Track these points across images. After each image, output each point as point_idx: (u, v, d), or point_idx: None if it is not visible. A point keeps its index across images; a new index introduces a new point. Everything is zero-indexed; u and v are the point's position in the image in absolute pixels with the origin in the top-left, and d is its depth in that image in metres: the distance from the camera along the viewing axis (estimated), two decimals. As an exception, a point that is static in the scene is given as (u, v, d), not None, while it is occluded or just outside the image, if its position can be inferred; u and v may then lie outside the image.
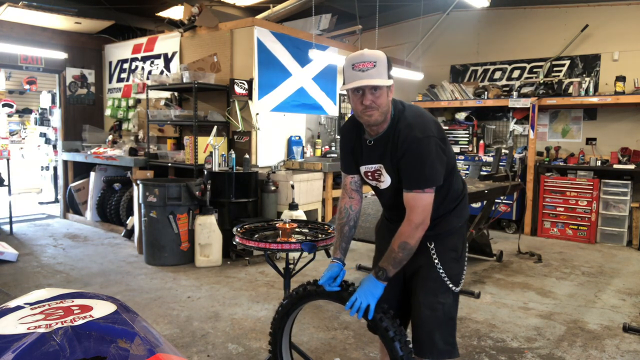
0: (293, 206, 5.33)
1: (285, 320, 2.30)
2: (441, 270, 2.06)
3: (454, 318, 2.11)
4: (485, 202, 5.30)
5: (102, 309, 1.65)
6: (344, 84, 1.96)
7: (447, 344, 2.05)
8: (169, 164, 6.07)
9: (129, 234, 6.20)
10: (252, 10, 7.89)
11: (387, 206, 2.24)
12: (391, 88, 1.94)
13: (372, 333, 2.16)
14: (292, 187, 5.40)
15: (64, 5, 6.94)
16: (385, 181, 2.07)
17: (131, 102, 7.23)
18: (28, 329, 1.46)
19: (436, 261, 2.06)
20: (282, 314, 2.29)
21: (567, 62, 7.21)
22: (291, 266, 2.68)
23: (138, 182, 5.31)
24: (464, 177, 2.30)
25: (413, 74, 7.55)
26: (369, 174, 2.12)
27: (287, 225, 2.72)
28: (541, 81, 7.21)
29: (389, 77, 1.92)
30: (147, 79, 6.71)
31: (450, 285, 2.08)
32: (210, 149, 5.49)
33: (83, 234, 6.62)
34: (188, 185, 5.15)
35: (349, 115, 3.79)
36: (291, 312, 2.29)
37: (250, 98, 5.83)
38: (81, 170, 7.41)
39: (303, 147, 6.48)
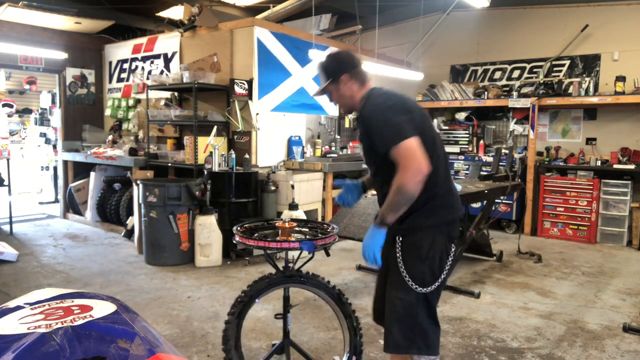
0: (293, 206, 5.33)
1: (239, 324, 2.55)
2: (401, 265, 2.06)
3: (416, 317, 2.05)
4: (485, 202, 5.31)
5: (102, 309, 1.65)
6: None
7: (406, 339, 2.05)
8: (169, 164, 6.06)
9: (129, 234, 6.20)
10: (252, 10, 7.89)
11: (372, 179, 2.37)
12: (341, 79, 2.14)
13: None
14: (292, 187, 5.40)
15: (64, 5, 6.94)
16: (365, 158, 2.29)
17: (131, 102, 7.22)
18: (28, 329, 1.46)
19: (398, 255, 2.08)
20: (234, 319, 2.52)
21: (567, 62, 7.21)
22: (290, 265, 2.68)
23: (138, 182, 5.31)
24: (463, 178, 2.32)
25: (413, 74, 7.55)
26: None
27: (287, 224, 2.72)
28: (541, 81, 7.21)
29: (333, 74, 2.15)
30: (147, 79, 6.70)
31: (411, 284, 2.03)
32: (210, 149, 5.49)
33: (83, 234, 6.62)
34: (188, 185, 5.15)
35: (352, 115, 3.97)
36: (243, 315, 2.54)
37: (250, 98, 5.83)
38: (81, 170, 7.41)
39: (303, 147, 6.48)
